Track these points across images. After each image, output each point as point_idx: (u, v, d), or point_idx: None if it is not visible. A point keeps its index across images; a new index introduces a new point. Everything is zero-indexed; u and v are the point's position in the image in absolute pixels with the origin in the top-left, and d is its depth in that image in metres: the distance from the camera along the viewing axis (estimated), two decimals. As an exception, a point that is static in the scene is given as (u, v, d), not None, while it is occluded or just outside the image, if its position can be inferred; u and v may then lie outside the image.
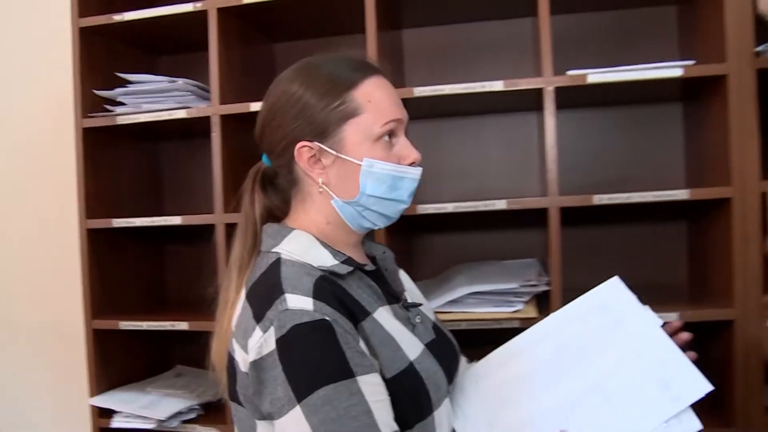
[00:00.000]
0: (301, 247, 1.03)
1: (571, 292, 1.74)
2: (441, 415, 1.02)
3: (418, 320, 1.11)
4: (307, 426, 0.86)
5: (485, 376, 1.16)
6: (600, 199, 1.60)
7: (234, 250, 1.09)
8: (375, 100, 1.03)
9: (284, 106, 1.04)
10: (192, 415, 1.87)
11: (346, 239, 1.09)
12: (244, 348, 0.94)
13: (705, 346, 1.75)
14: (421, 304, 1.15)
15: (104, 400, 1.89)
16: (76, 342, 1.97)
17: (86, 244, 1.89)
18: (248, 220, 1.09)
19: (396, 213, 1.08)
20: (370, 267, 1.08)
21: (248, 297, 0.99)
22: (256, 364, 0.92)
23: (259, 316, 0.94)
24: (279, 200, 1.12)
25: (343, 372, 0.88)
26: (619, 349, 1.04)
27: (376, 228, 1.09)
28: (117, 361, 1.99)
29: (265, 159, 1.10)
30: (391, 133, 1.04)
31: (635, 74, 1.60)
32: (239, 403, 0.99)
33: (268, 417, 0.92)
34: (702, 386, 0.96)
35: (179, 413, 1.84)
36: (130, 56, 2.11)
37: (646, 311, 1.08)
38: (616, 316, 1.09)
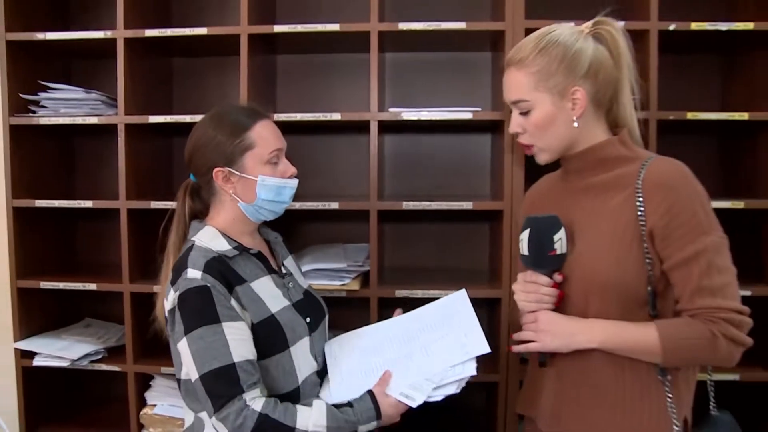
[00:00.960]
0: (208, 237, 1.52)
1: (391, 272, 2.35)
2: (297, 349, 1.51)
3: (290, 285, 1.63)
4: (188, 351, 1.39)
5: (361, 337, 1.68)
6: (407, 205, 2.18)
7: (170, 240, 1.58)
8: (264, 136, 1.53)
9: (204, 143, 1.52)
10: (98, 357, 2.35)
11: (245, 229, 1.60)
12: (167, 301, 1.46)
13: (491, 316, 2.39)
14: (292, 274, 1.67)
15: (27, 344, 2.33)
16: (4, 298, 2.38)
17: (12, 219, 2.33)
18: (180, 219, 1.60)
19: (281, 210, 1.60)
20: (254, 251, 1.58)
21: (172, 270, 1.49)
22: (170, 312, 1.44)
23: (173, 281, 1.45)
24: (201, 205, 1.62)
25: (213, 319, 1.39)
26: (447, 330, 1.56)
27: (268, 219, 1.61)
28: (37, 314, 2.44)
29: (192, 177, 1.61)
30: (276, 157, 1.56)
31: (437, 115, 2.17)
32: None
33: (175, 344, 1.43)
34: (484, 348, 1.46)
35: (88, 354, 2.31)
36: (48, 61, 2.51)
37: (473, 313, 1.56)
38: (453, 311, 1.61)
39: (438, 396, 1.44)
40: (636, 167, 1.39)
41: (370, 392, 1.46)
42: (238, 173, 1.52)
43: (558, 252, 1.38)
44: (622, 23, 1.50)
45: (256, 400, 1.38)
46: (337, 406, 1.45)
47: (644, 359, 1.35)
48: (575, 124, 1.42)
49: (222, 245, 1.51)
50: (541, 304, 1.41)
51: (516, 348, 1.45)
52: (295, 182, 1.60)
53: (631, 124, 1.48)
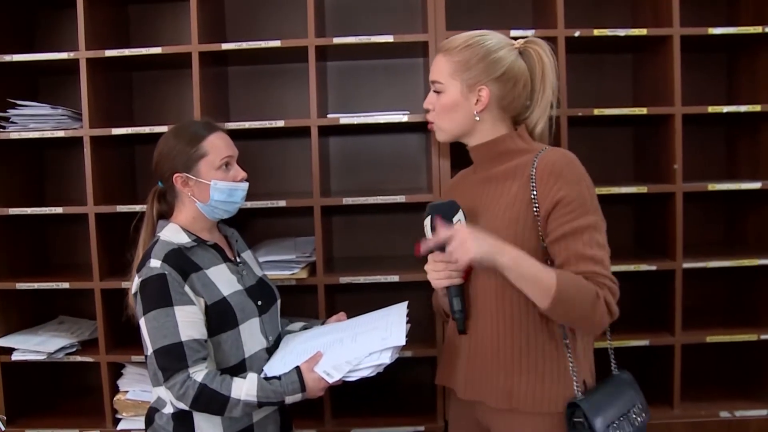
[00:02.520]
0: (171, 232, 1.73)
1: (340, 261, 2.59)
2: (245, 328, 1.72)
3: (244, 273, 1.85)
4: (146, 329, 1.62)
5: (313, 331, 1.91)
6: (347, 200, 2.43)
7: (140, 237, 1.80)
8: (215, 146, 1.76)
9: (167, 152, 1.75)
10: (73, 349, 2.54)
11: (204, 226, 1.82)
12: (132, 286, 1.68)
13: (429, 297, 2.62)
14: (246, 263, 1.89)
15: (5, 341, 2.51)
16: (-18, 299, 2.56)
17: (-13, 227, 2.53)
18: (149, 219, 1.84)
19: (234, 209, 1.83)
20: (210, 242, 1.81)
21: (140, 261, 1.71)
22: (135, 295, 1.67)
23: (138, 269, 1.68)
24: (167, 206, 1.85)
25: (167, 302, 1.61)
26: (377, 326, 1.76)
27: (224, 217, 1.84)
28: (14, 313, 2.63)
29: (160, 183, 1.83)
30: (227, 164, 1.78)
31: (372, 119, 2.42)
32: None
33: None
34: (400, 341, 1.62)
35: (63, 348, 2.51)
36: (16, 79, 2.70)
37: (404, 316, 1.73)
38: (389, 314, 1.80)
39: (354, 377, 1.64)
40: (531, 158, 1.57)
41: (297, 368, 1.68)
42: (195, 178, 1.74)
43: None
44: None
45: (198, 372, 1.61)
46: (269, 378, 1.67)
47: (534, 295, 1.46)
48: (476, 118, 1.60)
49: (182, 238, 1.74)
50: (451, 280, 1.55)
51: (422, 249, 1.54)
52: (245, 185, 1.82)
53: (537, 131, 1.66)
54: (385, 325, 1.73)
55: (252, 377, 1.65)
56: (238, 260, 1.88)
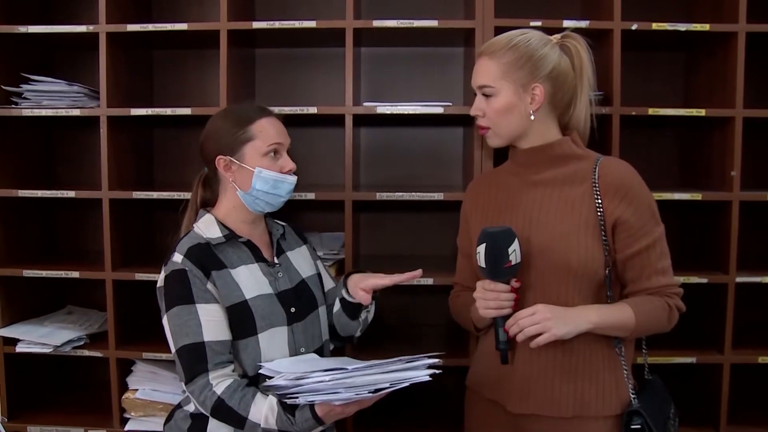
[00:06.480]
0: (205, 224, 1.65)
1: (366, 259, 2.42)
2: (265, 337, 1.60)
3: (279, 275, 1.70)
4: (168, 326, 1.56)
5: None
6: (380, 196, 2.26)
7: (183, 225, 1.74)
8: (265, 131, 1.65)
9: (212, 132, 1.66)
10: (80, 343, 2.39)
11: (244, 218, 1.70)
12: (159, 279, 1.61)
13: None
14: (281, 265, 1.72)
15: (9, 331, 2.37)
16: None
17: (-6, 208, 2.37)
18: (192, 206, 1.75)
19: (278, 203, 1.70)
20: (243, 239, 1.68)
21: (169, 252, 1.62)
22: (158, 290, 1.60)
23: (164, 263, 1.61)
24: (210, 193, 1.75)
25: (188, 300, 1.53)
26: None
27: (266, 211, 1.72)
28: (20, 302, 2.48)
29: (206, 168, 1.72)
30: (276, 152, 1.66)
31: (410, 109, 2.25)
32: None
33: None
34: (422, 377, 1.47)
35: (70, 341, 2.36)
36: (31, 52, 2.55)
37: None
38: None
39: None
40: (589, 164, 1.60)
41: (311, 405, 1.47)
42: (238, 162, 1.64)
43: (513, 263, 1.48)
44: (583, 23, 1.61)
45: (220, 382, 1.50)
46: (284, 407, 1.47)
47: (618, 334, 1.56)
48: (531, 117, 1.59)
49: (213, 232, 1.64)
50: (501, 310, 1.52)
51: (520, 338, 1.50)
52: (293, 179, 1.69)
53: (581, 129, 1.67)
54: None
55: (272, 404, 1.49)
56: (276, 261, 1.73)
